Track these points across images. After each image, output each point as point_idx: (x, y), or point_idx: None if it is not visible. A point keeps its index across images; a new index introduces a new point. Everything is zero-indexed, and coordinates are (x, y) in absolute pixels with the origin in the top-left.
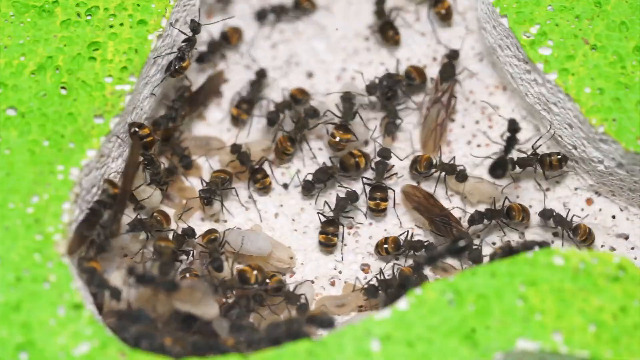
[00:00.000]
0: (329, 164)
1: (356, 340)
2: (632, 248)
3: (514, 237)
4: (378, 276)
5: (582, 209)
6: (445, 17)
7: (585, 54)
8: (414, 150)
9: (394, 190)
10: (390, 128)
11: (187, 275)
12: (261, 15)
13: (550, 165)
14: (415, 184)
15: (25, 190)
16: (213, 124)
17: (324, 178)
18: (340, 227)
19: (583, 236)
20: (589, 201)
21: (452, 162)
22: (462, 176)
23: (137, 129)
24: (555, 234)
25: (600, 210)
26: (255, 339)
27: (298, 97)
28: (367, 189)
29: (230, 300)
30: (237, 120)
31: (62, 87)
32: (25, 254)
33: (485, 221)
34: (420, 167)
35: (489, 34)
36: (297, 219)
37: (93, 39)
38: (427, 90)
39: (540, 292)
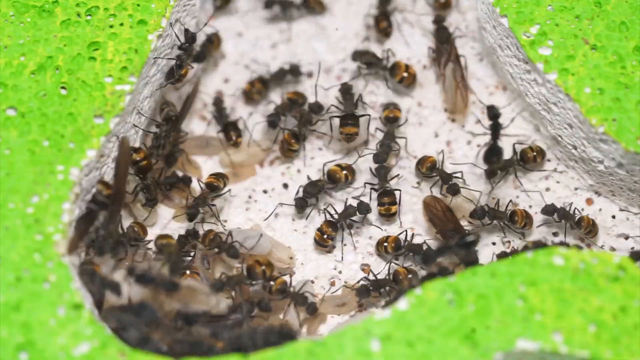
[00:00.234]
0: (328, 165)
1: (356, 340)
2: (632, 248)
3: (514, 239)
4: (368, 276)
5: (582, 209)
6: (445, 6)
7: (585, 54)
8: (409, 154)
9: (400, 190)
10: (385, 150)
11: (188, 272)
12: (268, 4)
13: (534, 159)
14: (431, 192)
15: (25, 190)
16: (213, 123)
17: (314, 192)
18: (340, 231)
19: (587, 228)
20: (589, 201)
21: (456, 174)
22: (452, 190)
23: (133, 152)
24: (555, 234)
25: (600, 210)
26: (239, 341)
27: (295, 100)
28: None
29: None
30: (248, 98)
31: (62, 87)
32: (25, 254)
33: (487, 220)
34: (423, 167)
35: (489, 34)
36: (297, 219)
37: (93, 39)
38: (430, 54)
39: (540, 292)
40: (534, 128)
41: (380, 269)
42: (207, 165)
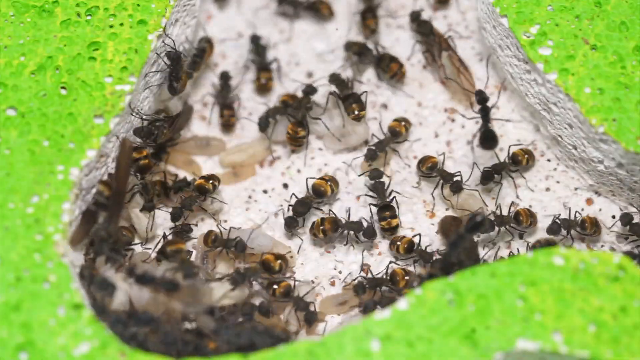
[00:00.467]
0: (330, 163)
1: (356, 340)
2: (632, 248)
3: (517, 240)
4: (366, 275)
5: (582, 209)
6: (442, 2)
7: (585, 54)
8: (408, 155)
9: (395, 198)
10: (371, 154)
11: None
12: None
13: (527, 162)
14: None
15: (25, 190)
16: (213, 123)
17: (304, 210)
18: (333, 235)
19: (592, 228)
20: (589, 201)
21: (456, 173)
22: (456, 187)
23: (135, 154)
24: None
25: (600, 210)
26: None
27: (289, 103)
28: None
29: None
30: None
31: (62, 87)
32: (25, 254)
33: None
34: (424, 166)
35: (489, 34)
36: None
37: (93, 39)
38: (419, 49)
39: (540, 292)
40: (534, 128)
41: (381, 269)
42: (207, 165)
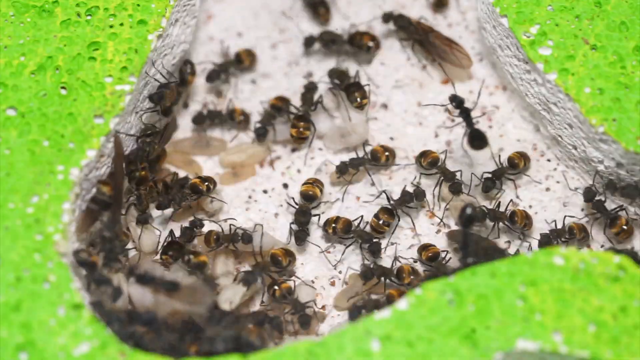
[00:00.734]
0: (328, 163)
1: (356, 340)
2: (632, 248)
3: (514, 239)
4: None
5: (582, 209)
6: (440, 4)
7: (585, 54)
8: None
9: (388, 195)
10: (341, 168)
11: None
12: (309, 43)
13: (525, 164)
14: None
15: (25, 190)
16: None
17: (306, 220)
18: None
19: (580, 234)
20: None
21: (456, 172)
22: (456, 189)
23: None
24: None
25: None
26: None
27: (279, 106)
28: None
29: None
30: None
31: (62, 87)
32: (25, 254)
33: (489, 222)
34: (424, 161)
35: (489, 34)
36: None
37: (93, 39)
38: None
39: (540, 292)
40: (534, 128)
41: (375, 262)
42: (207, 165)
